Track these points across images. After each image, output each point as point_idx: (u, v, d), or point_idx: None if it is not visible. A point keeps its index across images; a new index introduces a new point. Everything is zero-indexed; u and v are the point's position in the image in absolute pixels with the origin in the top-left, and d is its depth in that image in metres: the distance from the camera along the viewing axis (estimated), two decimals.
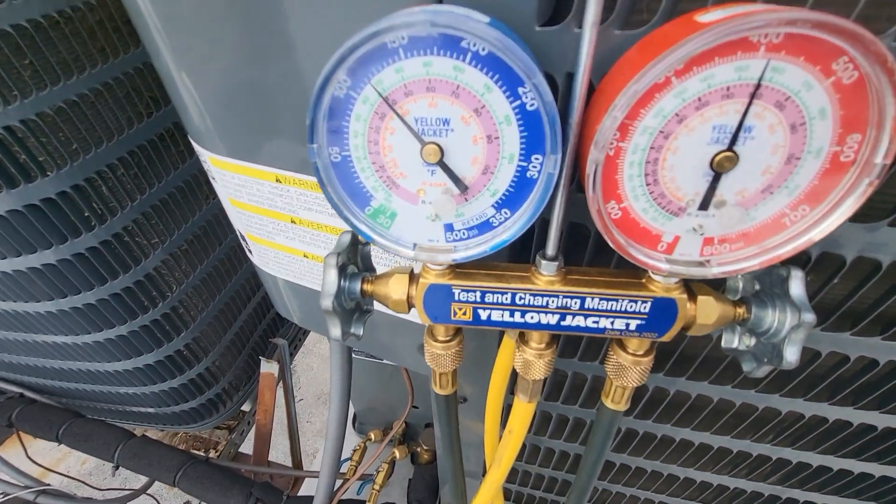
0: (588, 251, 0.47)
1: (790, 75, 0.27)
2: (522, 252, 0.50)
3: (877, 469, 0.62)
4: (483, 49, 0.28)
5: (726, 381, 0.58)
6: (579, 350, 0.60)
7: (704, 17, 0.27)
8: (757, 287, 0.42)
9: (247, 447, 1.55)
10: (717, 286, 0.46)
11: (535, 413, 0.72)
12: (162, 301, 1.09)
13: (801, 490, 0.70)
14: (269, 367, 1.45)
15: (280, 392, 1.46)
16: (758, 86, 0.27)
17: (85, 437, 1.12)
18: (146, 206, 1.00)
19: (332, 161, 0.33)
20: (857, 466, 0.62)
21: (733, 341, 0.44)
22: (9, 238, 0.83)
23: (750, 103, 0.28)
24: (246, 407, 1.61)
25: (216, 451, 1.57)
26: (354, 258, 0.46)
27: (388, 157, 0.33)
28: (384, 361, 1.36)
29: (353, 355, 1.18)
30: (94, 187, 0.89)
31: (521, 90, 0.29)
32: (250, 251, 0.68)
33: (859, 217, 0.39)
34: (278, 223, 0.59)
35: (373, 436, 1.46)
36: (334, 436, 1.03)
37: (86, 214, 0.90)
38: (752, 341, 0.43)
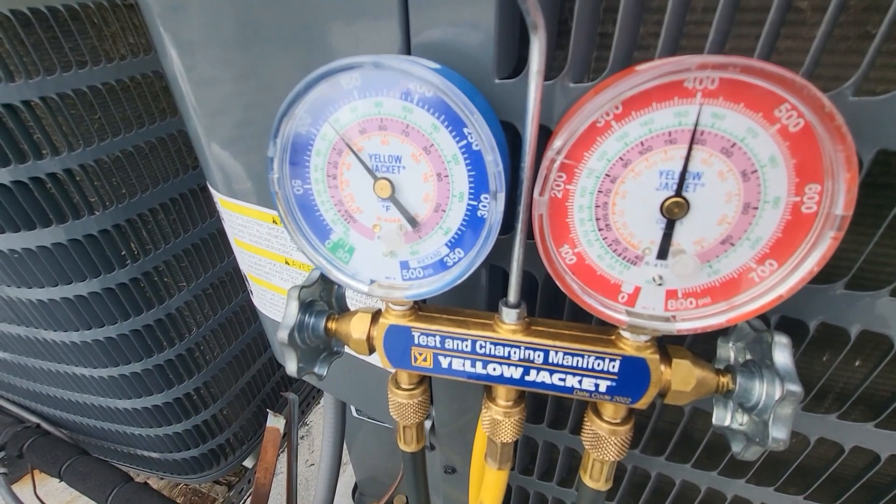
0: (567, 306, 0.45)
1: (732, 121, 0.27)
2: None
3: None
4: (429, 91, 0.30)
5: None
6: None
7: (642, 66, 0.27)
8: (748, 356, 0.39)
9: None
10: (709, 356, 0.42)
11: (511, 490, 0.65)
12: (179, 341, 1.12)
13: None
14: (275, 422, 1.41)
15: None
16: (695, 130, 0.27)
17: (83, 476, 1.12)
18: (179, 249, 1.07)
19: (294, 193, 0.35)
20: None
21: (725, 418, 0.40)
22: (50, 268, 0.90)
23: (690, 148, 0.27)
24: (249, 463, 1.56)
25: None
26: (328, 297, 0.46)
27: (346, 191, 0.34)
28: (386, 425, 1.30)
29: (357, 416, 1.14)
30: (135, 228, 0.97)
31: (465, 130, 0.30)
32: (252, 292, 0.71)
33: (855, 285, 0.36)
34: (274, 264, 0.61)
35: None
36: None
37: (122, 253, 0.97)
38: (745, 419, 0.38)
